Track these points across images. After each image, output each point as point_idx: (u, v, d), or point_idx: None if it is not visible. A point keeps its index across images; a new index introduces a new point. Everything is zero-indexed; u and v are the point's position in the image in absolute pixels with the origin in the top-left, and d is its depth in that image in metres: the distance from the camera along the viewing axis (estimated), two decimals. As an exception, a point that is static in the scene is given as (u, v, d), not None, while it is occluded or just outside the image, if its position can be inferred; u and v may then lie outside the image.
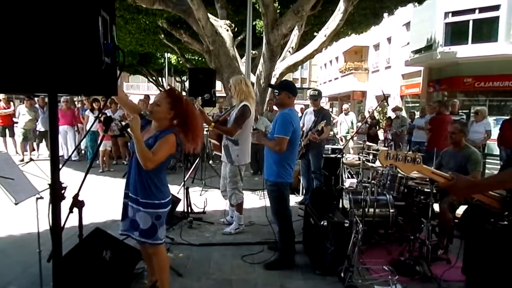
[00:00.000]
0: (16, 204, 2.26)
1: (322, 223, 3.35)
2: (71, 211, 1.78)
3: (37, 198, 2.47)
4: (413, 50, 16.89)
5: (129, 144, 2.61)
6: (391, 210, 4.19)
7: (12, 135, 9.93)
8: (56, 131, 1.63)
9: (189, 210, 4.94)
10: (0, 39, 1.33)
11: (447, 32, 15.17)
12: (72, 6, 1.38)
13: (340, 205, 4.54)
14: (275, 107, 8.96)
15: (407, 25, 18.60)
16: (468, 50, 14.08)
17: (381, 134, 11.82)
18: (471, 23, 14.42)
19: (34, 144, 9.86)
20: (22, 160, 8.99)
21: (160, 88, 27.41)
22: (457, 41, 14.74)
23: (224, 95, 11.12)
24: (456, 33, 14.96)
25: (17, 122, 9.75)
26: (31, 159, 8.85)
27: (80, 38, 1.41)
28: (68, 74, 1.41)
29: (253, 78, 9.61)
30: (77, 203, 1.83)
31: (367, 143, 5.37)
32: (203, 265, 3.57)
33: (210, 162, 8.62)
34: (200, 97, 4.46)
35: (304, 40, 11.27)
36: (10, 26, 1.34)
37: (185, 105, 2.55)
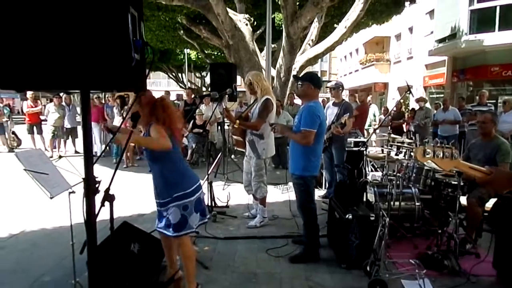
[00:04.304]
0: (51, 198, 2.35)
1: (347, 216, 3.33)
2: (103, 204, 1.83)
3: (70, 193, 2.56)
4: (437, 39, 16.38)
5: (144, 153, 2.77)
6: (417, 203, 4.12)
7: (40, 132, 10.23)
8: (89, 127, 1.68)
9: (213, 204, 5.00)
10: (35, 38, 1.38)
11: (472, 19, 14.62)
12: (103, 4, 1.41)
13: (364, 199, 4.50)
14: (295, 101, 8.92)
15: (431, 13, 18.06)
16: (495, 38, 13.56)
17: (404, 127, 11.55)
18: (498, 9, 13.85)
19: (62, 141, 10.15)
20: (51, 157, 9.28)
21: (180, 84, 27.70)
22: (483, 28, 14.18)
23: (245, 89, 11.12)
24: (482, 20, 14.38)
25: (45, 120, 10.05)
26: (60, 156, 9.13)
27: (111, 35, 1.44)
28: (99, 70, 1.45)
29: (273, 72, 9.58)
30: (108, 197, 1.89)
31: (392, 135, 5.28)
32: (228, 258, 3.62)
33: (232, 156, 8.68)
34: (228, 89, 4.52)
35: (324, 32, 11.14)
36: (44, 25, 1.38)
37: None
